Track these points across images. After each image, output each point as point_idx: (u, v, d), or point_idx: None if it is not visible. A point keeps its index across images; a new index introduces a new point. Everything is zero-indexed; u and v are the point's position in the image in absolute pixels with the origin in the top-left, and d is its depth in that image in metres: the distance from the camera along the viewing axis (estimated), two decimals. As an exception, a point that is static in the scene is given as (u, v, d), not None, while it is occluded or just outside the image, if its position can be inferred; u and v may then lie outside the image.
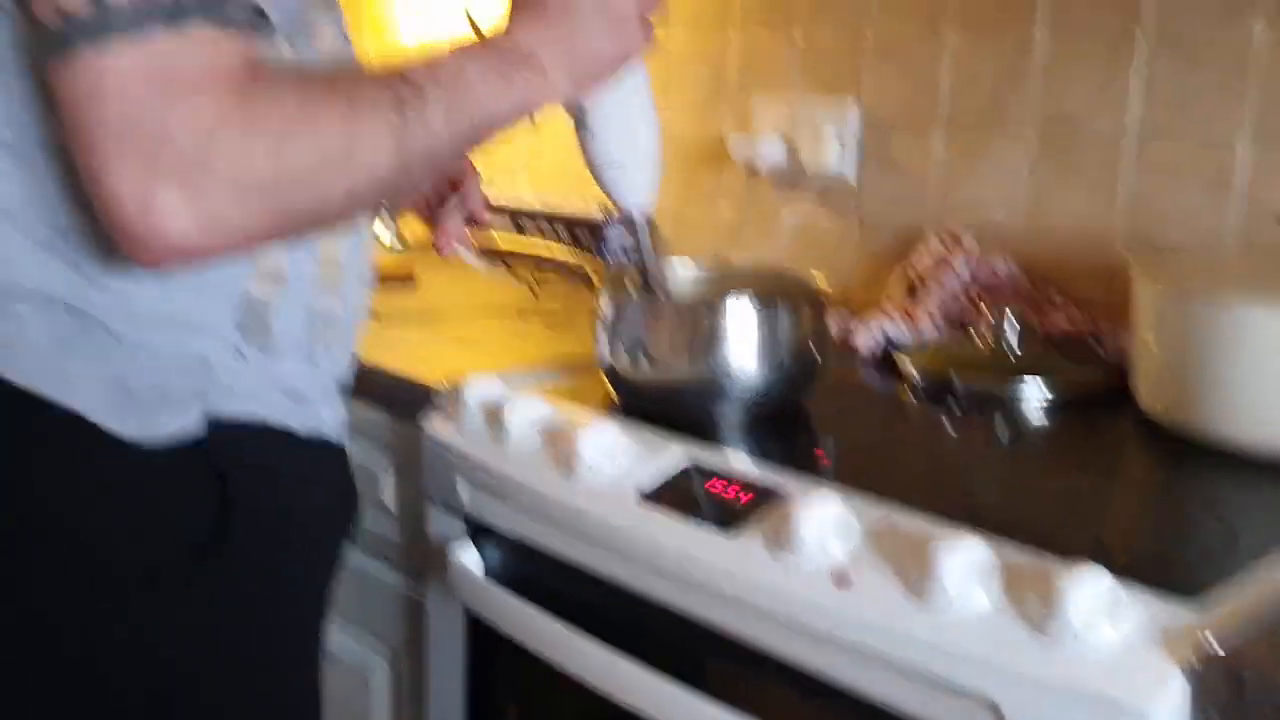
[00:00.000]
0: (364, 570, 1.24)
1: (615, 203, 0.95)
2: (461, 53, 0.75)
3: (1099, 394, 1.11)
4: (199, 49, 0.62)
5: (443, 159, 0.74)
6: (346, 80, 0.69)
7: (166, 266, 0.64)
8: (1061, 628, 0.64)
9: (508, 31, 0.78)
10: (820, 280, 1.07)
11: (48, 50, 0.61)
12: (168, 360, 0.75)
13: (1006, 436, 1.06)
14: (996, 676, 0.65)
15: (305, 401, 0.83)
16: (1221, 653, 0.61)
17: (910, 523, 0.78)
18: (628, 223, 0.96)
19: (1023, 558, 0.71)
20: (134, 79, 0.60)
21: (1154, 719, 0.61)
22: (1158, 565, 0.76)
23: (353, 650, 1.26)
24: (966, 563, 0.70)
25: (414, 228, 1.90)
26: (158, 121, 0.60)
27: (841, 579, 0.74)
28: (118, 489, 0.74)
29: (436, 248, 1.04)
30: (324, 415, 0.85)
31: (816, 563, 0.75)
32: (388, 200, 0.73)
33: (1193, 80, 1.19)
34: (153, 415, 0.74)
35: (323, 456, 0.86)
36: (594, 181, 0.94)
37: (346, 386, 0.90)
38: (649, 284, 1.00)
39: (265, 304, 0.78)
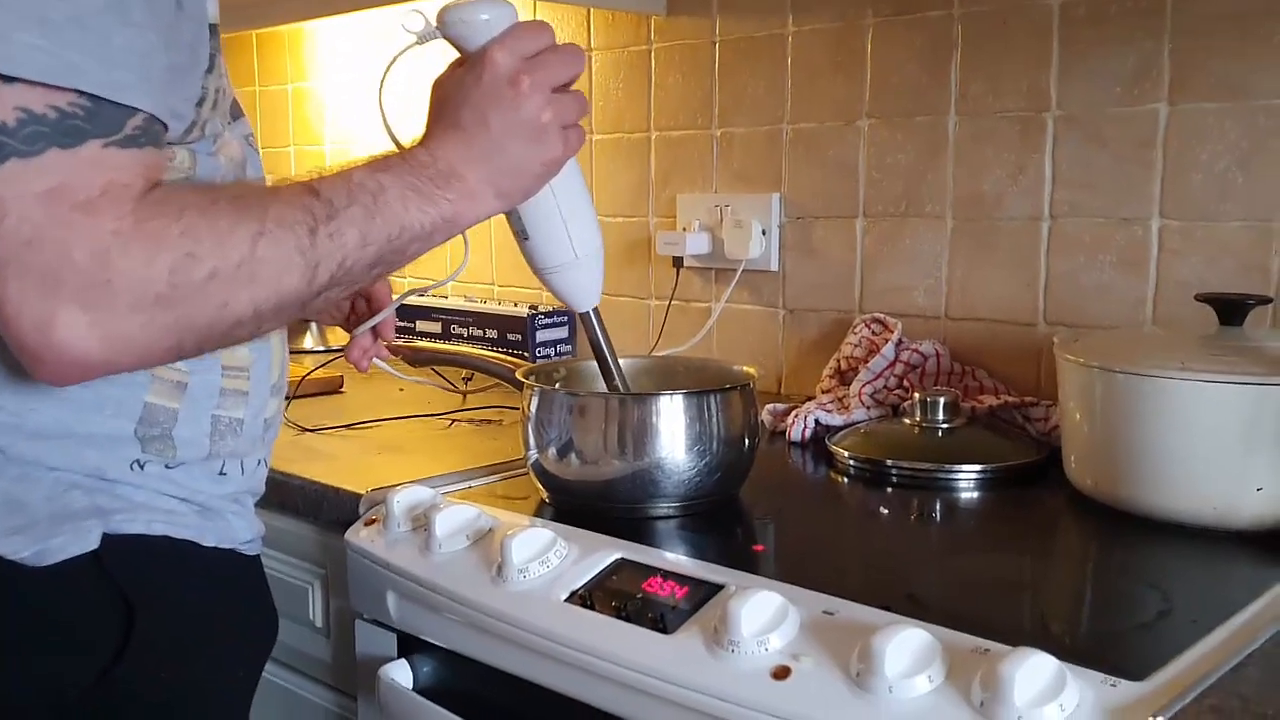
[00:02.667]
0: (294, 690, 1.19)
1: (565, 302, 0.96)
2: (382, 169, 0.73)
3: (1029, 471, 1.11)
4: (95, 169, 0.61)
5: (361, 276, 0.72)
6: (255, 197, 0.68)
7: (70, 382, 0.64)
8: (1006, 713, 0.62)
9: (427, 148, 0.77)
10: (749, 370, 1.07)
11: None
12: (63, 476, 0.72)
13: (940, 518, 1.05)
14: (943, 767, 0.63)
15: (213, 514, 0.80)
16: (1168, 730, 0.60)
17: (849, 613, 0.76)
18: (583, 320, 0.97)
19: (964, 643, 0.70)
20: (30, 201, 0.59)
21: (1106, 804, 0.59)
22: (1100, 644, 0.75)
23: (283, 777, 1.21)
24: (907, 650, 0.68)
25: (338, 333, 1.88)
26: (56, 242, 0.60)
27: (781, 673, 0.71)
28: (15, 611, 0.71)
29: (352, 363, 1.04)
30: (235, 528, 0.82)
31: (756, 658, 0.73)
32: (303, 315, 0.72)
33: (1101, 160, 1.23)
34: (48, 536, 0.71)
35: (233, 570, 0.83)
36: (541, 285, 0.95)
37: (259, 497, 0.87)
38: (607, 376, 0.99)
39: (167, 414, 0.75)
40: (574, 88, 0.82)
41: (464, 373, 1.47)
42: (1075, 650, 0.68)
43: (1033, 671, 0.63)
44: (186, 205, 0.64)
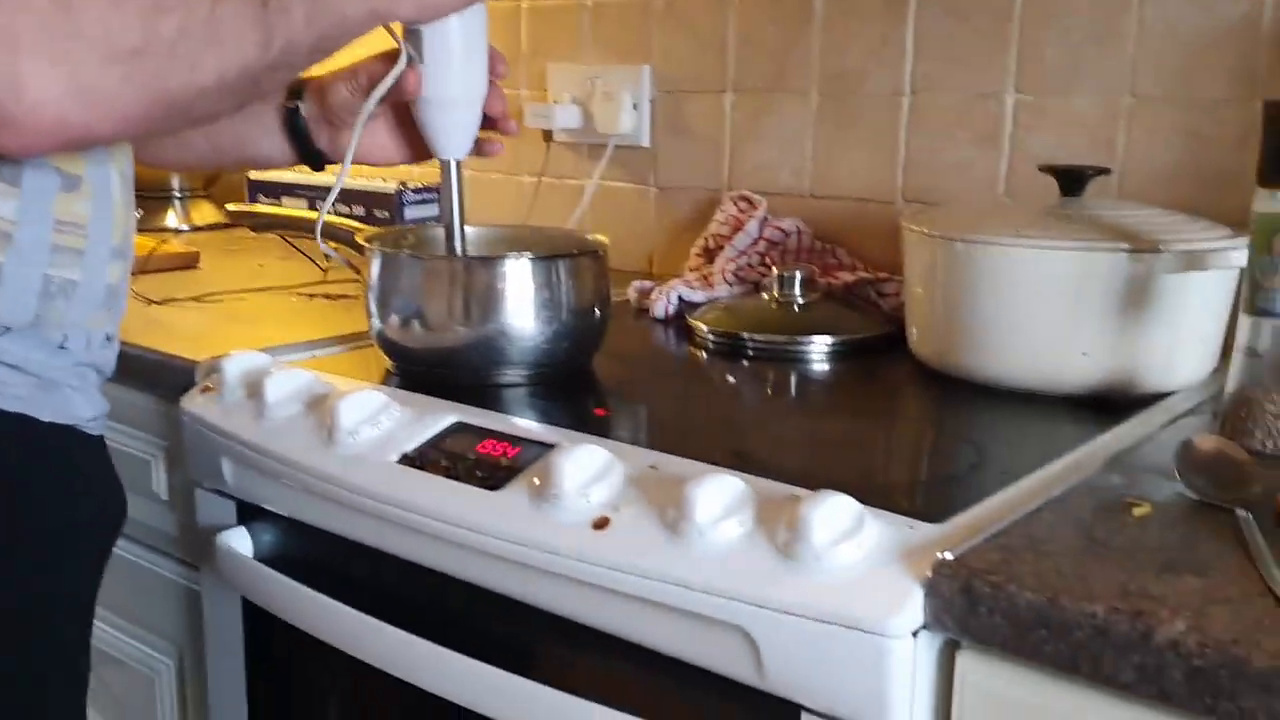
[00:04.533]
0: (142, 565, 1.17)
1: (432, 144, 0.96)
2: None
3: (878, 344, 1.13)
4: None
5: (302, 60, 0.74)
6: None
7: (48, 148, 0.63)
8: (805, 552, 0.64)
9: None
10: (600, 238, 1.06)
11: None
12: None
13: (789, 388, 1.06)
14: (746, 604, 0.65)
15: (49, 386, 0.76)
16: (956, 567, 0.61)
17: (674, 467, 0.77)
18: (443, 169, 0.97)
19: (778, 491, 0.71)
20: None
21: (892, 633, 0.61)
22: (907, 491, 0.77)
23: (137, 652, 1.19)
24: (719, 497, 0.69)
25: (203, 210, 1.82)
26: None
27: (601, 524, 0.72)
28: None
29: (505, 130, 1.00)
30: (75, 403, 0.78)
31: (577, 512, 0.73)
32: (257, 96, 0.74)
33: (961, 33, 1.23)
34: None
35: (76, 450, 0.80)
36: (416, 119, 0.95)
37: (106, 377, 0.84)
38: (450, 234, 0.98)
39: None
40: None
41: (331, 245, 1.43)
42: (882, 497, 0.70)
43: (832, 512, 0.65)
44: None
